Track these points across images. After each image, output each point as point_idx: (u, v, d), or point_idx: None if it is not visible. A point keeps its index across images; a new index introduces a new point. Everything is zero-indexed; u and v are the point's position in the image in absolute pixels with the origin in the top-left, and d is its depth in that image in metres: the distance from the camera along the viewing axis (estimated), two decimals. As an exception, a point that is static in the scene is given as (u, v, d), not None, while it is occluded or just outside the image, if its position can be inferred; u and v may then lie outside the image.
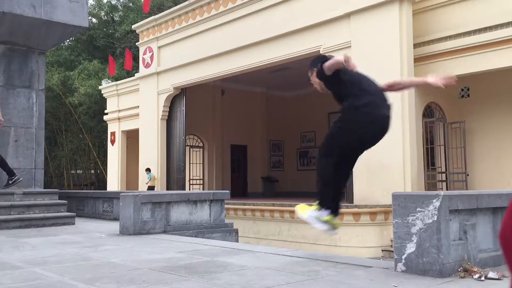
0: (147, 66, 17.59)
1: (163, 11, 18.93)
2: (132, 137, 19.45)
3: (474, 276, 3.30)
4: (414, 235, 3.41)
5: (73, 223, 8.00)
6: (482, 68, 10.06)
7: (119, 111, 19.83)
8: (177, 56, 16.28)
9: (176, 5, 19.08)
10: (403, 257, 3.47)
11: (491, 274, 3.30)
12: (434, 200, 3.35)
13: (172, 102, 16.81)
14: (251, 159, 19.80)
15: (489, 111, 11.34)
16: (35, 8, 7.89)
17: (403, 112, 10.39)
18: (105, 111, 20.87)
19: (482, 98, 11.52)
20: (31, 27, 8.13)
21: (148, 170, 16.82)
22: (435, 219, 3.32)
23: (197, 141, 18.82)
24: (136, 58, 21.35)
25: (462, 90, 11.92)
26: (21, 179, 7.90)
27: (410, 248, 3.42)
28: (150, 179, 16.56)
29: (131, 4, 28.96)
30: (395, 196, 3.56)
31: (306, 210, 3.98)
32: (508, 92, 11.05)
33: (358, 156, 4.11)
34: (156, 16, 17.35)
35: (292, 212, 11.52)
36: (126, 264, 4.11)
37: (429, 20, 10.92)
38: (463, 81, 11.60)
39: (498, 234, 1.16)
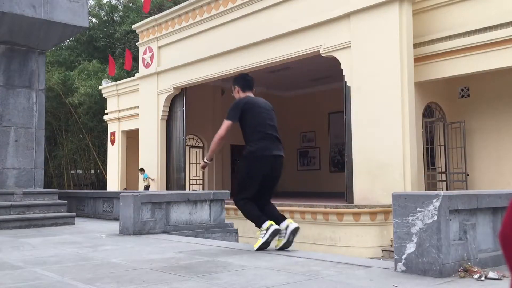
0: (147, 66, 17.59)
1: (163, 11, 18.92)
2: (132, 137, 19.45)
3: (474, 276, 3.30)
4: (414, 235, 3.41)
5: (73, 223, 8.00)
6: (482, 68, 10.06)
7: (119, 111, 19.83)
8: (177, 56, 16.28)
9: (176, 5, 19.09)
10: (403, 257, 3.47)
11: (491, 274, 3.30)
12: (434, 200, 3.35)
13: (172, 102, 16.81)
14: (251, 159, 19.76)
15: (489, 111, 11.34)
16: (35, 8, 7.89)
17: (403, 112, 10.39)
18: (105, 111, 20.86)
19: (482, 98, 11.52)
20: (31, 27, 8.13)
21: (142, 170, 16.83)
22: (435, 219, 3.32)
23: (197, 141, 18.82)
24: (136, 58, 21.35)
25: (462, 90, 11.92)
26: None
27: (410, 248, 3.42)
28: (147, 179, 16.57)
29: (131, 4, 28.95)
30: (395, 196, 3.56)
31: (258, 239, 4.68)
32: (508, 92, 11.05)
33: (270, 188, 4.89)
34: (156, 16, 17.35)
35: (292, 212, 11.52)
36: (126, 264, 4.11)
37: (429, 20, 10.92)
38: (463, 81, 11.60)
39: (498, 234, 1.16)
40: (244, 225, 12.39)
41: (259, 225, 4.65)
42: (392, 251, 4.53)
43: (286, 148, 20.39)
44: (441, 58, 10.57)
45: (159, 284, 3.27)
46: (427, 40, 10.82)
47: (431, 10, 10.91)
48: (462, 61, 10.31)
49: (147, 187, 16.27)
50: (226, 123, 4.86)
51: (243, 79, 5.16)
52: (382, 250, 10.17)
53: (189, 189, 17.46)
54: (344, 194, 11.85)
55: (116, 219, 8.26)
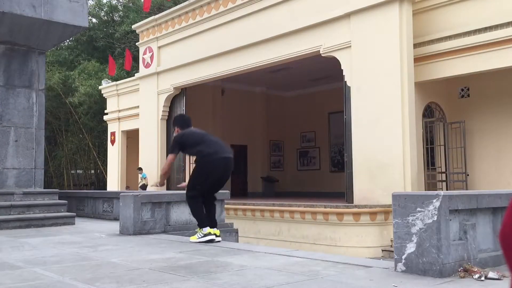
0: (147, 66, 17.59)
1: (163, 11, 18.92)
2: (132, 137, 19.44)
3: (474, 276, 3.30)
4: (414, 235, 3.41)
5: (73, 223, 8.00)
6: (482, 68, 10.06)
7: (119, 111, 19.82)
8: (177, 56, 16.28)
9: (176, 5, 19.08)
10: (403, 257, 3.47)
11: (491, 274, 3.30)
12: (434, 200, 3.35)
13: (172, 102, 16.81)
14: (251, 159, 19.79)
15: (489, 111, 11.34)
16: (35, 8, 7.89)
17: (403, 112, 10.39)
18: (105, 111, 20.86)
19: (482, 98, 11.52)
20: (31, 27, 8.13)
21: (140, 169, 16.82)
22: (435, 219, 3.32)
23: (197, 141, 18.77)
24: (136, 58, 21.34)
25: (462, 90, 11.92)
26: None
27: (410, 248, 3.42)
28: (145, 178, 16.56)
29: (131, 4, 28.95)
30: (395, 196, 3.56)
31: (195, 236, 5.51)
32: (508, 92, 11.04)
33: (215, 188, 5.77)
34: (156, 16, 17.35)
35: (292, 212, 11.52)
36: (126, 264, 4.11)
37: (429, 20, 10.92)
38: (463, 81, 11.60)
39: (498, 234, 1.16)
40: (244, 225, 12.40)
41: (201, 226, 5.51)
42: (392, 251, 4.54)
43: (286, 148, 20.30)
44: (441, 58, 10.56)
45: (159, 284, 3.27)
46: (427, 40, 10.81)
47: (431, 10, 10.91)
48: (462, 61, 10.31)
49: (144, 187, 16.24)
50: (170, 157, 5.67)
51: (181, 120, 6.06)
52: (382, 250, 10.17)
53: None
54: (344, 194, 11.84)
55: (116, 219, 8.26)
